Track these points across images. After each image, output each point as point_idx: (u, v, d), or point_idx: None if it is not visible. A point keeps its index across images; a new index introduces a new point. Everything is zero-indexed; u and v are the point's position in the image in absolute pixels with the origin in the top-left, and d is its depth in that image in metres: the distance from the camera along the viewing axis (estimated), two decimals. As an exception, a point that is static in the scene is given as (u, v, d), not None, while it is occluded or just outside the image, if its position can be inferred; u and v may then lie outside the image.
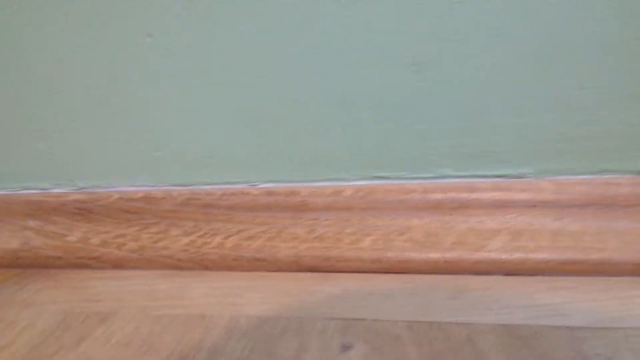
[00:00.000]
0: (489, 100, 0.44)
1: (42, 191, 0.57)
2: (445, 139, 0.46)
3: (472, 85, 0.44)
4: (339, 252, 0.46)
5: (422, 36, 0.43)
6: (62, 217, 0.55)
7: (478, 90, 0.44)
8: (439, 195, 0.46)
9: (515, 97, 0.43)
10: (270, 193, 0.50)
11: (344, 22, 0.44)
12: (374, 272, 0.45)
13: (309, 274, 0.46)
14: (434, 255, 0.43)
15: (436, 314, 0.37)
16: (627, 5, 0.39)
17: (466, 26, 0.42)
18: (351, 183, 0.50)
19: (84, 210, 0.54)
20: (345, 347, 0.35)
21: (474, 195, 0.45)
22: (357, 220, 0.48)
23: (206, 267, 0.49)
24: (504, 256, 0.41)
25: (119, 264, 0.51)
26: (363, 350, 0.34)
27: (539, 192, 0.44)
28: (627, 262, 0.39)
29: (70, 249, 0.53)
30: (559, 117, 0.43)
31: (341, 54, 0.45)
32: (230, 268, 0.49)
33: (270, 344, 0.36)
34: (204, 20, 0.47)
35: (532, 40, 0.41)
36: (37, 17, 0.50)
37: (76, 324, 0.42)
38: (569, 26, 0.40)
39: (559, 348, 0.32)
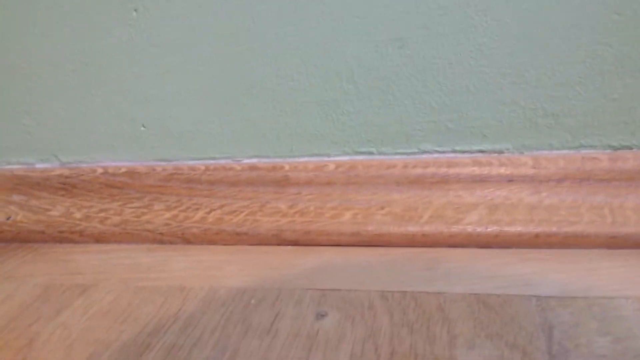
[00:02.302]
0: (469, 77, 0.44)
1: (26, 166, 0.57)
2: (426, 115, 0.46)
3: (454, 62, 0.44)
4: (320, 226, 0.46)
5: (407, 12, 0.43)
6: (46, 192, 0.55)
7: (459, 67, 0.44)
8: (419, 170, 0.46)
9: (496, 73, 0.43)
10: (253, 168, 0.50)
11: (326, -3, 0.44)
12: (354, 245, 0.45)
13: (290, 248, 0.47)
14: (412, 228, 0.43)
15: (410, 284, 0.38)
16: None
17: (450, 3, 0.42)
18: (333, 158, 0.50)
19: (68, 185, 0.55)
20: (320, 316, 0.35)
21: (453, 170, 0.45)
22: (338, 194, 0.48)
23: (188, 241, 0.49)
24: (479, 229, 0.42)
25: (101, 238, 0.52)
26: (337, 317, 0.35)
27: (517, 167, 0.44)
28: (599, 234, 0.39)
29: (53, 223, 0.53)
30: (539, 93, 0.43)
31: (325, 30, 0.45)
32: (212, 242, 0.49)
33: (247, 313, 0.37)
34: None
35: (513, 17, 0.41)
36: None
37: (56, 296, 0.42)
38: (550, 2, 0.40)
39: (525, 315, 0.32)
